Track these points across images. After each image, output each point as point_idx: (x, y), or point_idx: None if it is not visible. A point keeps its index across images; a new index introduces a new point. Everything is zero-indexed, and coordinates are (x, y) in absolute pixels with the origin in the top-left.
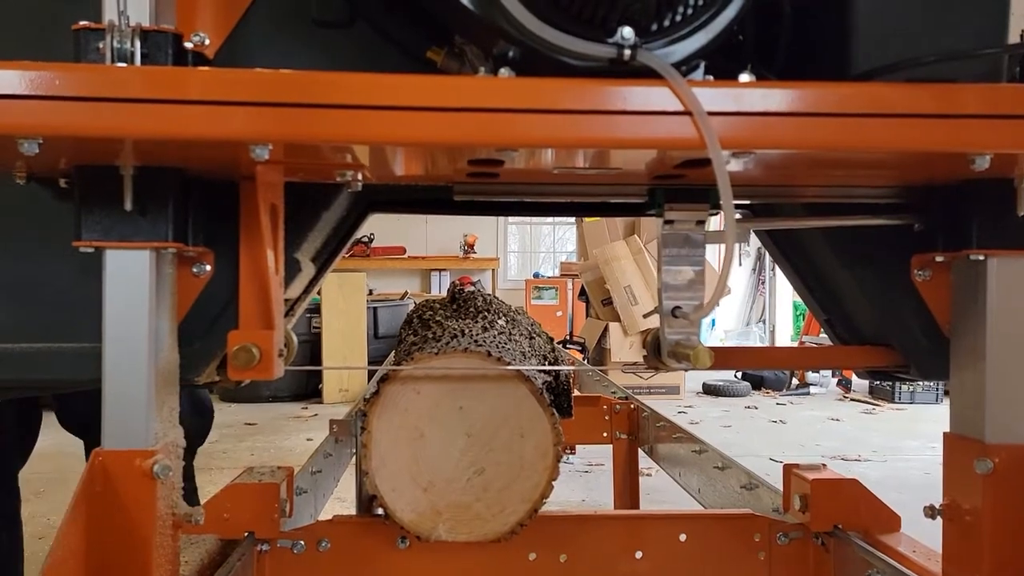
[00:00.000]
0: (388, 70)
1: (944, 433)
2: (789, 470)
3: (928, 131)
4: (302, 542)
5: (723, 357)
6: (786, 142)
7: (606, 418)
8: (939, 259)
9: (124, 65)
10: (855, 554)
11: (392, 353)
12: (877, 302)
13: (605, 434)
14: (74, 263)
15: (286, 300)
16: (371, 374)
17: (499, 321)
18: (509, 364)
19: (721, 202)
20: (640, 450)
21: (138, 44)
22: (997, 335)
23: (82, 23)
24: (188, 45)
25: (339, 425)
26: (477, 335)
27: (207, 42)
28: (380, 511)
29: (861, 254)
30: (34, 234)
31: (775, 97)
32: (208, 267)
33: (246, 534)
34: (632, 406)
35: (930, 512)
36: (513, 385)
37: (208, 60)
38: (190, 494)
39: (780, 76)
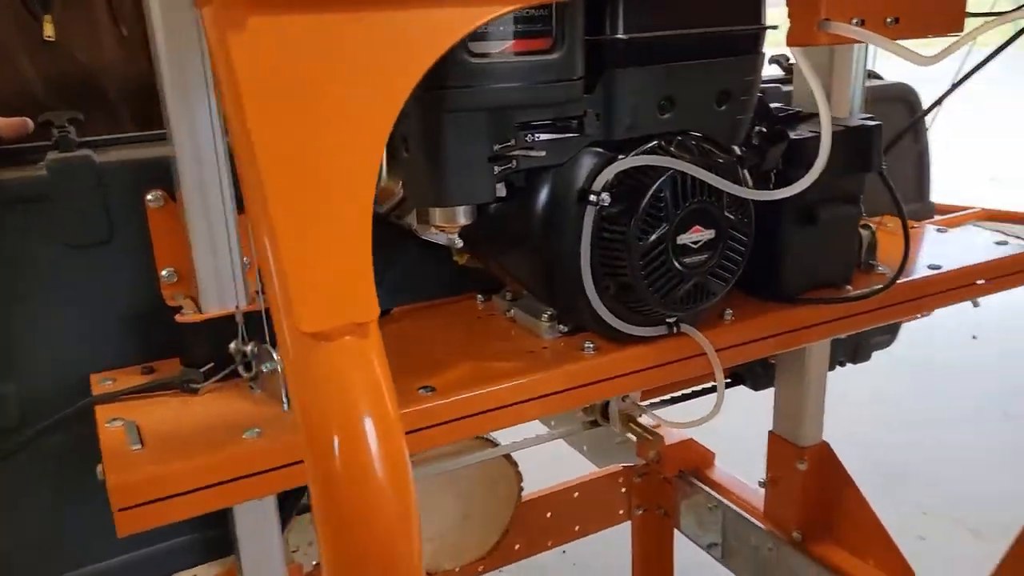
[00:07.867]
0: None
1: (769, 432)
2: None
3: None
4: None
5: None
6: (756, 353)
7: None
8: None
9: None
10: (692, 485)
11: None
12: None
13: None
14: None
15: None
16: None
17: None
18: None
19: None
20: None
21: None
22: (811, 374)
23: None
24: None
25: None
26: None
27: None
28: None
29: None
30: None
31: (745, 331)
32: None
33: None
34: None
35: (761, 483)
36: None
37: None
38: None
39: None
